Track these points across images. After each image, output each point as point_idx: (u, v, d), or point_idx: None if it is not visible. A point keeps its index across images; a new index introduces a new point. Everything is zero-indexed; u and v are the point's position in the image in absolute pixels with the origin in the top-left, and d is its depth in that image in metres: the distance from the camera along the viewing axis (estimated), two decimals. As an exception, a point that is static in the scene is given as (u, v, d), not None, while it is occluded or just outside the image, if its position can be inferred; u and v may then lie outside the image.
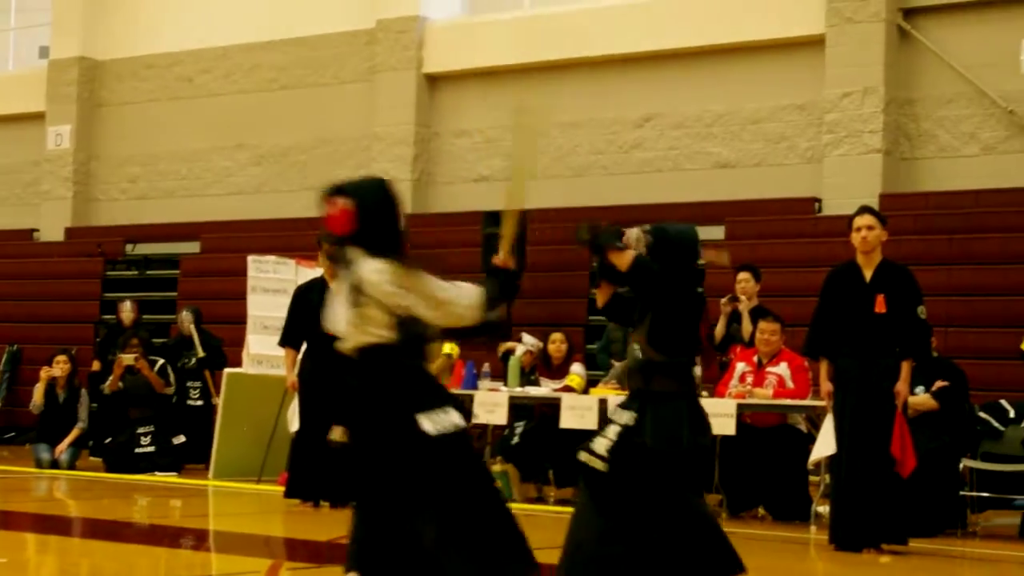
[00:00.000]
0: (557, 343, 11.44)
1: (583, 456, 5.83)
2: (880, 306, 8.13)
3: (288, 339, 10.39)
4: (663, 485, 5.74)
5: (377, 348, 4.75)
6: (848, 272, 8.38)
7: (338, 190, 4.79)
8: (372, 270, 4.75)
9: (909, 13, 14.02)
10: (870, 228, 8.24)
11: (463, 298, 4.95)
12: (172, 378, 13.50)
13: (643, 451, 5.75)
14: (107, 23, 19.11)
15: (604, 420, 9.28)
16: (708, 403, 9.96)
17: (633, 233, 6.00)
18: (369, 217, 4.79)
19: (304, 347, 10.29)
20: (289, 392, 10.74)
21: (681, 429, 5.83)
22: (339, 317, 4.87)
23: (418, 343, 4.85)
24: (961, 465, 9.42)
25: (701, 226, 13.70)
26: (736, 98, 14.68)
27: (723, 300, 11.22)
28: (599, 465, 5.77)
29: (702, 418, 6.00)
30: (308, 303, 10.04)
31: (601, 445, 5.80)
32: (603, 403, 10.17)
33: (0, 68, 20.43)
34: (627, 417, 5.86)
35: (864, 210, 8.46)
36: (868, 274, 8.25)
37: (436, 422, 4.70)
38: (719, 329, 11.20)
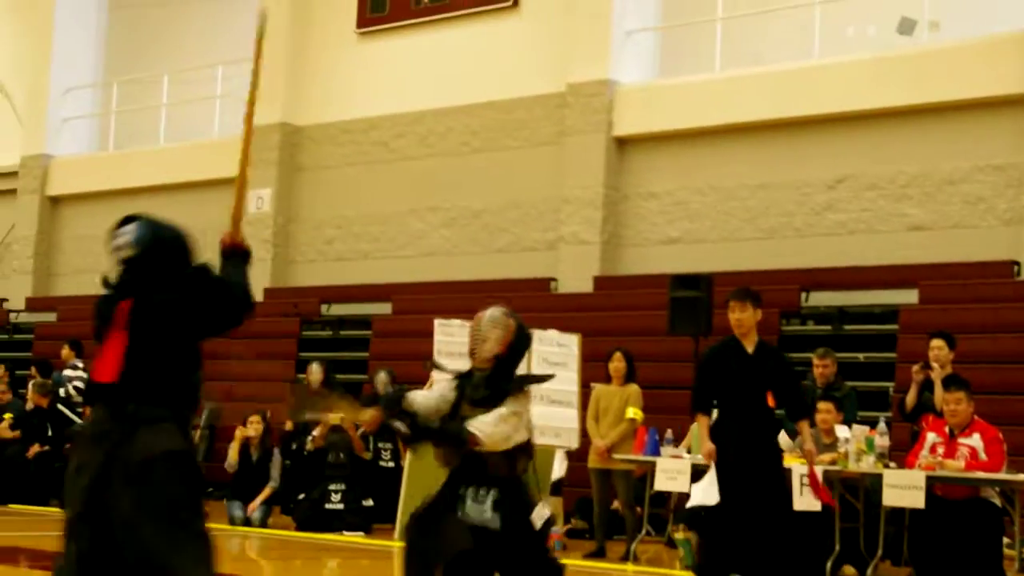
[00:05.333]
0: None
1: None
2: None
3: (699, 404, 9.47)
4: None
5: None
6: None
7: None
8: None
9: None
10: None
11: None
12: (371, 444, 13.76)
13: None
14: (307, 91, 19.66)
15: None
16: (896, 474, 9.77)
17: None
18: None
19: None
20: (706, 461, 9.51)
21: None
22: None
23: None
24: None
25: (895, 289, 13.78)
26: (931, 159, 14.34)
27: (915, 368, 10.95)
28: None
29: None
30: (722, 366, 9.26)
31: None
32: (787, 471, 9.96)
33: (206, 134, 21.12)
34: None
35: None
36: None
37: None
38: (910, 397, 10.93)
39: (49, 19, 23.06)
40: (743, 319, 9.08)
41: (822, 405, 10.94)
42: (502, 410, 5.79)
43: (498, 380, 5.89)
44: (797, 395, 9.28)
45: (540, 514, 5.82)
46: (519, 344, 5.94)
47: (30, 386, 15.48)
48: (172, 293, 4.77)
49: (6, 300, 22.57)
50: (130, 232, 4.82)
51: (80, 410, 14.78)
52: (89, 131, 22.96)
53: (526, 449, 5.95)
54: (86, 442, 4.77)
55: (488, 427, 5.73)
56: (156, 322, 4.72)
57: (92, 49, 23.23)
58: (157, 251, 4.82)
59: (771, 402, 9.08)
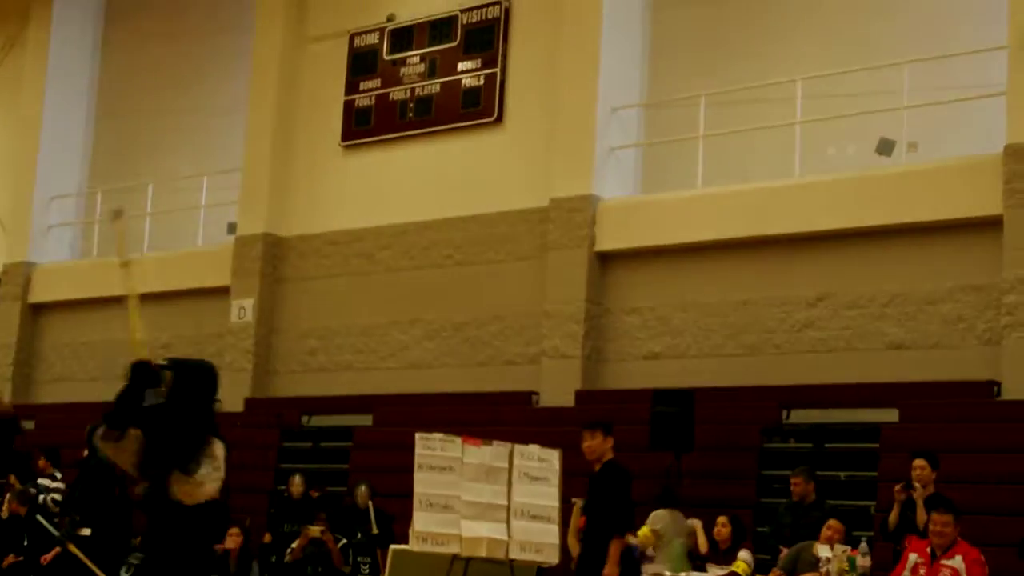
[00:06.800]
0: (719, 526, 11.27)
1: None
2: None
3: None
4: None
5: None
6: None
7: None
8: None
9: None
10: None
11: None
12: (350, 558, 13.69)
13: None
14: (291, 202, 19.79)
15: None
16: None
17: None
18: None
19: None
20: None
21: None
22: None
23: None
24: None
25: (874, 408, 13.80)
26: (911, 278, 14.43)
27: (897, 487, 10.97)
28: None
29: None
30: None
31: None
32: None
33: (190, 244, 21.19)
34: None
35: None
36: None
37: None
38: (893, 517, 10.93)
39: (36, 128, 23.23)
40: (592, 446, 9.76)
41: (832, 522, 10.93)
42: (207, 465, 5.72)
43: (172, 432, 5.75)
44: (605, 512, 9.61)
45: None
46: (182, 389, 5.84)
47: (8, 494, 15.35)
48: None
49: None
50: None
51: (57, 521, 14.65)
52: (72, 239, 23.02)
53: (216, 511, 5.84)
54: None
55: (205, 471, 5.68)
56: None
57: (78, 158, 23.36)
58: None
59: (580, 521, 9.72)
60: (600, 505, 9.62)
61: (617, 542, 9.48)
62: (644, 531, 11.59)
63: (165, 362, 5.85)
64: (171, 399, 5.74)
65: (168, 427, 5.70)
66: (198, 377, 5.84)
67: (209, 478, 5.60)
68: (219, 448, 5.74)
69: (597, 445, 9.72)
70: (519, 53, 17.89)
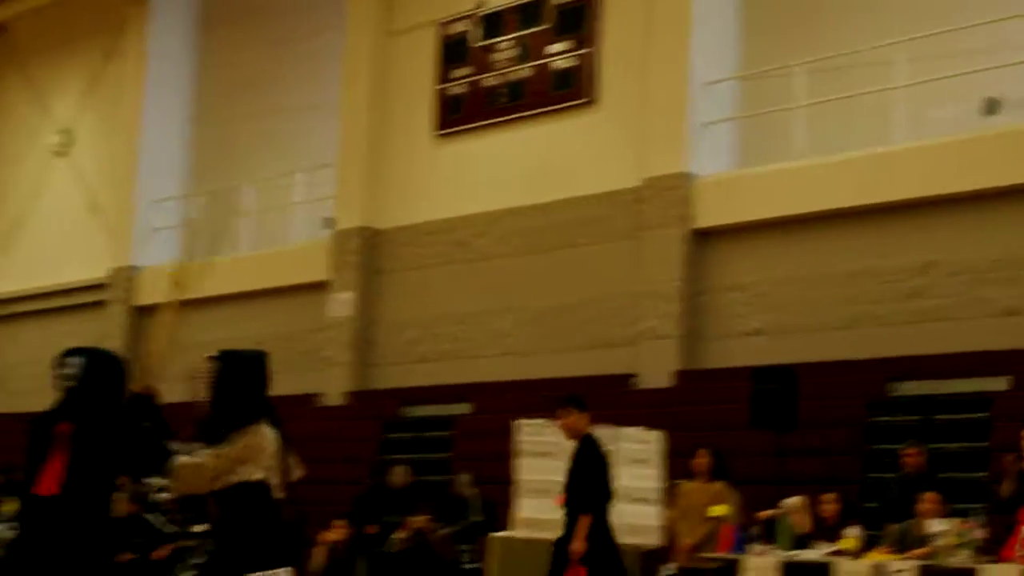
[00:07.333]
0: (825, 503, 10.97)
1: None
2: None
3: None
4: None
5: None
6: None
7: None
8: None
9: None
10: None
11: None
12: (454, 546, 13.65)
13: None
14: (386, 194, 19.72)
15: None
16: (993, 569, 9.37)
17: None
18: None
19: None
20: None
21: None
22: None
23: None
24: None
25: (985, 377, 13.33)
26: (1018, 242, 13.92)
27: (1009, 458, 10.57)
28: None
29: None
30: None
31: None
32: (879, 568, 9.63)
33: (286, 240, 21.25)
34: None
35: None
36: None
37: None
38: (1005, 488, 10.53)
39: (136, 135, 23.59)
40: (568, 424, 9.69)
41: (928, 495, 10.61)
42: (203, 452, 5.76)
43: (217, 423, 5.84)
44: (577, 488, 9.51)
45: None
46: (227, 380, 5.83)
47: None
48: (106, 423, 5.36)
49: None
50: (75, 365, 5.52)
51: (171, 518, 14.74)
52: (174, 242, 23.23)
53: (253, 496, 5.76)
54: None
55: (183, 459, 5.71)
56: (92, 446, 5.29)
57: (177, 162, 23.68)
58: (96, 384, 5.50)
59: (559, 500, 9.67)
60: (576, 481, 9.51)
61: (586, 518, 9.37)
62: (724, 507, 11.34)
63: (217, 354, 5.96)
64: (217, 388, 5.92)
65: (213, 416, 5.78)
66: (244, 366, 5.91)
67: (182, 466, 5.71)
68: (254, 437, 5.77)
69: (572, 422, 9.63)
70: (611, 31, 17.62)
